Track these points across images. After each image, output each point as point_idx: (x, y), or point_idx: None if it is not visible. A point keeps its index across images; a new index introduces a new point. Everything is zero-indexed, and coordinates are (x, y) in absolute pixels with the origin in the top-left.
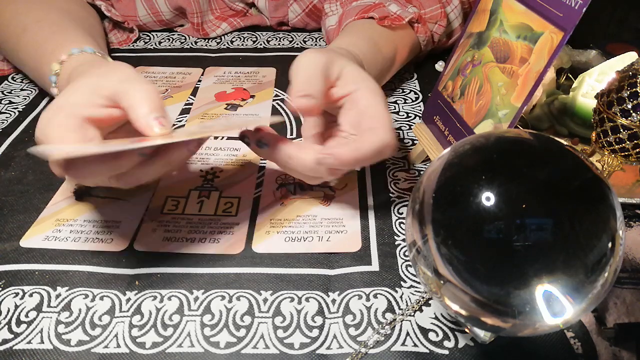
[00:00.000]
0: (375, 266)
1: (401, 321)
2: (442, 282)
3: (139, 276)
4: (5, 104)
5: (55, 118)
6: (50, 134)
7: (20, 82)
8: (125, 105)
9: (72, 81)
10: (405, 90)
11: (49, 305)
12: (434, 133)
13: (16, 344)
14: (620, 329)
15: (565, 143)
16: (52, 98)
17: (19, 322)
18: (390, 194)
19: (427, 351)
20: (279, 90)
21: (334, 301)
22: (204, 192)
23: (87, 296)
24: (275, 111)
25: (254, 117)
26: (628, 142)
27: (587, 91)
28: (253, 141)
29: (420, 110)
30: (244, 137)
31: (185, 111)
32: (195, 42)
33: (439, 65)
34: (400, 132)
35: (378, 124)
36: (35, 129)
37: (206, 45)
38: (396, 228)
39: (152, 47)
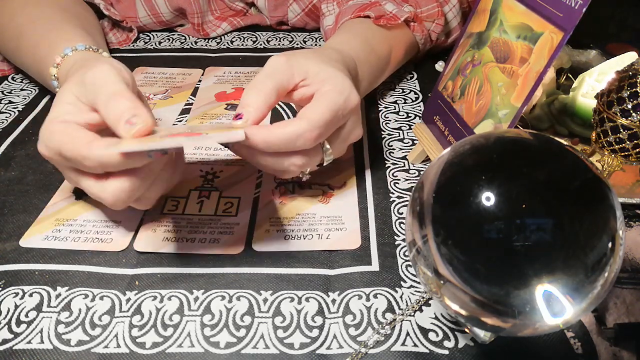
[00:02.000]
0: (375, 266)
1: (401, 321)
2: (442, 282)
3: (139, 276)
4: (5, 104)
5: (57, 128)
6: (60, 141)
7: (20, 82)
8: (101, 114)
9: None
10: (405, 90)
11: (49, 305)
12: (434, 133)
13: (16, 344)
14: (620, 329)
15: (565, 143)
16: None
17: (19, 322)
18: (390, 194)
19: (427, 351)
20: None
21: (334, 301)
22: (204, 192)
23: (87, 296)
24: (274, 112)
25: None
26: (628, 142)
27: (587, 91)
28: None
29: (420, 110)
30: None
31: (185, 111)
32: (195, 42)
33: (439, 65)
34: (400, 132)
35: (308, 114)
36: (39, 144)
37: (206, 45)
38: (396, 228)
39: (152, 47)
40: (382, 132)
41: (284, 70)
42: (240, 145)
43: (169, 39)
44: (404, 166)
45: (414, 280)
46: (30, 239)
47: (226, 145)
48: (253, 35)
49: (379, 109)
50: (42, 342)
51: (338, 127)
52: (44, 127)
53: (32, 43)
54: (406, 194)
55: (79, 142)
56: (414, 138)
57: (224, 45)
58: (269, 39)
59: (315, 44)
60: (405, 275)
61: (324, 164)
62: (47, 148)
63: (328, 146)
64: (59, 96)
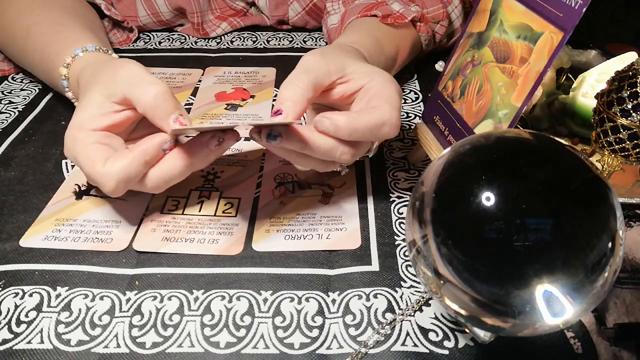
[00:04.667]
0: (375, 266)
1: (401, 321)
2: (442, 282)
3: (139, 276)
4: (5, 104)
5: (79, 137)
6: (78, 153)
7: (20, 82)
8: (142, 111)
9: (81, 85)
10: (405, 90)
11: (49, 305)
12: (434, 133)
13: (16, 344)
14: (620, 329)
15: (565, 143)
16: (65, 99)
17: (19, 322)
18: (390, 194)
19: (427, 351)
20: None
21: (334, 301)
22: (205, 192)
23: (87, 296)
24: None
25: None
26: (628, 142)
27: (587, 91)
28: (264, 135)
29: (420, 110)
30: (253, 135)
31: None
32: (195, 42)
33: (439, 65)
34: (401, 132)
35: (382, 102)
36: (64, 148)
37: (206, 45)
38: (396, 228)
39: (152, 47)
40: None
41: (320, 66)
42: (290, 138)
43: (169, 39)
44: (404, 166)
45: (414, 280)
46: (30, 239)
47: (271, 138)
48: (253, 35)
49: None
50: (42, 342)
51: None
52: (68, 131)
53: (40, 43)
54: (406, 194)
55: (106, 159)
56: (414, 138)
57: (224, 45)
58: (269, 39)
59: (316, 44)
60: (405, 275)
61: (370, 155)
62: (68, 153)
63: None
64: (85, 98)
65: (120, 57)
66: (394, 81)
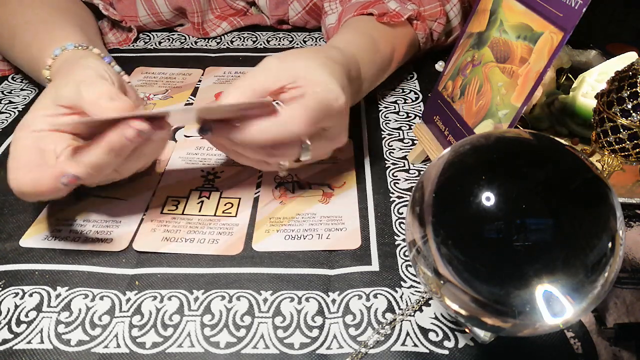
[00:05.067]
0: (375, 266)
1: (401, 321)
2: (442, 282)
3: (138, 276)
4: (5, 104)
5: (18, 137)
6: (11, 152)
7: (20, 82)
8: (84, 109)
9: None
10: (405, 90)
11: (49, 305)
12: (434, 133)
13: (16, 344)
14: (620, 329)
15: (565, 143)
16: None
17: (19, 322)
18: (390, 194)
19: (427, 351)
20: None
21: (334, 301)
22: (205, 192)
23: (87, 296)
24: None
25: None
26: (628, 142)
27: (587, 91)
28: (197, 129)
29: (420, 110)
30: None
31: None
32: (195, 42)
33: (439, 65)
34: (400, 132)
35: (296, 104)
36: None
37: (206, 45)
38: (396, 228)
39: (152, 47)
40: (382, 132)
41: (269, 71)
42: (219, 133)
43: (169, 39)
44: (404, 166)
45: (414, 280)
46: (30, 239)
47: (202, 132)
48: (253, 35)
49: (379, 109)
50: (42, 342)
51: (322, 125)
52: (17, 127)
53: (24, 45)
54: (406, 194)
55: (24, 167)
56: (414, 138)
57: (224, 45)
58: (269, 39)
59: (315, 44)
60: (405, 275)
61: (302, 159)
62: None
63: (308, 142)
64: (38, 99)
65: (120, 57)
66: (332, 91)
